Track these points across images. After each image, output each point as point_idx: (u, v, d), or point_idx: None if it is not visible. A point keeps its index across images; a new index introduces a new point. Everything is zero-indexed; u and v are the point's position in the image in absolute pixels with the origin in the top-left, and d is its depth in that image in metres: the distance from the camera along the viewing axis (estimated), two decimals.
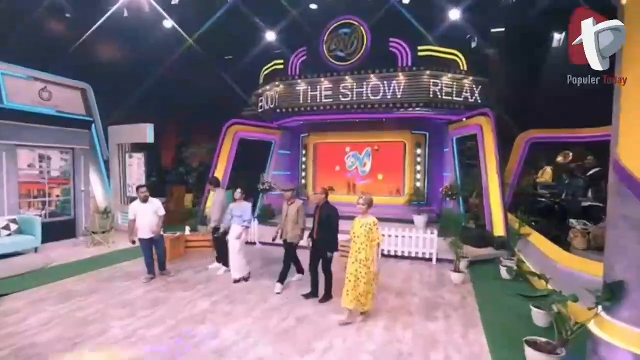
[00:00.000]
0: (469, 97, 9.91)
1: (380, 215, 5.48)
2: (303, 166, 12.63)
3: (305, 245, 5.21)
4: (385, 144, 11.45)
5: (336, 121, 11.46)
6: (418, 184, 11.15)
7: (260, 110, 12.52)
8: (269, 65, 11.83)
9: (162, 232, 6.03)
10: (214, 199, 6.42)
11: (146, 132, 9.31)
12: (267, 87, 11.61)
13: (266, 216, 10.67)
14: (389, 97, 9.86)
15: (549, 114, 9.48)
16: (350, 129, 11.59)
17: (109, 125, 10.26)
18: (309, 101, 10.66)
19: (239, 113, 14.45)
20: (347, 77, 10.18)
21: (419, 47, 9.54)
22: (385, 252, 7.47)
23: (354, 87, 10.18)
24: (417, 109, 9.79)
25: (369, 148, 11.66)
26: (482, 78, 9.91)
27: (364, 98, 10.10)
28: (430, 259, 7.23)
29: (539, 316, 4.29)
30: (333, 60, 10.27)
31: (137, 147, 9.96)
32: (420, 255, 7.31)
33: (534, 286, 5.39)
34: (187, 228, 7.94)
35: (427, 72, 9.45)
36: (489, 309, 4.84)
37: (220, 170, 10.77)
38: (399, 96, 9.78)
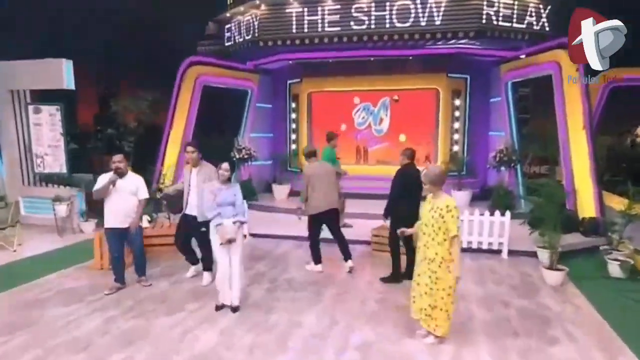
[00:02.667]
0: (534, 22, 9.24)
1: None
2: (293, 125, 11.67)
3: None
4: (410, 93, 10.72)
5: (342, 60, 10.50)
6: (456, 147, 10.61)
7: (228, 44, 11.26)
8: None
9: (141, 223, 5.62)
10: (198, 176, 5.42)
11: (62, 72, 7.92)
12: (241, 8, 10.34)
13: (249, 196, 9.68)
14: (423, 24, 8.99)
15: None
16: (361, 71, 10.73)
17: None
18: (305, 30, 9.61)
19: (192, 49, 13.11)
20: None
21: None
22: None
23: (373, 9, 9.19)
24: (463, 41, 9.01)
25: (386, 98, 10.88)
26: None
27: (387, 26, 9.18)
28: (499, 252, 6.83)
29: None
30: None
31: (45, 95, 8.64)
32: (485, 246, 6.86)
33: None
34: (146, 218, 6.92)
35: None
36: (625, 324, 4.42)
37: (179, 132, 9.68)
38: (437, 23, 8.94)
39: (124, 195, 5.30)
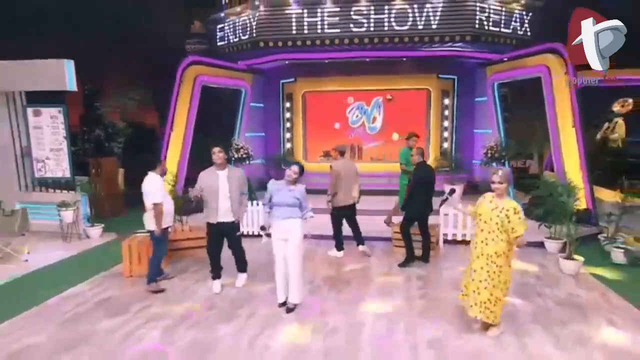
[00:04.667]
0: (519, 28, 9.58)
1: None
2: (287, 125, 11.46)
3: None
4: (403, 93, 10.81)
5: (336, 61, 10.42)
6: (445, 144, 10.83)
7: (221, 43, 10.83)
8: None
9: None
10: (231, 181, 5.13)
11: (64, 73, 7.27)
12: (237, 8, 9.96)
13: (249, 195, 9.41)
14: (420, 27, 9.06)
15: None
16: (355, 71, 10.70)
17: None
18: (305, 32, 9.39)
19: (178, 47, 12.59)
20: None
21: None
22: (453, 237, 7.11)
23: (372, 12, 9.15)
24: (459, 44, 9.18)
25: (379, 98, 10.90)
26: (538, 1, 9.58)
27: (386, 29, 9.16)
28: None
29: None
30: None
31: (47, 98, 7.94)
32: None
33: None
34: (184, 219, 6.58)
35: None
36: None
37: (179, 133, 9.21)
38: (434, 27, 9.04)
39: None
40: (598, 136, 9.84)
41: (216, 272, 5.35)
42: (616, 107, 9.80)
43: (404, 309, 4.74)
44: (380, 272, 5.92)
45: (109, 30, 11.53)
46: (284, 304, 4.74)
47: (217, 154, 5.11)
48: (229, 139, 10.31)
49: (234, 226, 5.19)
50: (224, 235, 5.24)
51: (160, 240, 5.27)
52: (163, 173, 5.41)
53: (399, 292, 5.22)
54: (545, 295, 5.05)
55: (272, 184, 4.70)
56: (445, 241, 7.08)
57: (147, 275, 5.34)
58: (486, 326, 4.09)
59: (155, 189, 5.12)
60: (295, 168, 4.61)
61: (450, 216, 7.12)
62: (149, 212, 5.17)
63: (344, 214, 6.48)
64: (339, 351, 3.84)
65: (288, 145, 11.50)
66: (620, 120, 9.04)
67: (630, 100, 9.63)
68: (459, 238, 7.17)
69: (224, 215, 5.12)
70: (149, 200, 5.11)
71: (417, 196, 5.96)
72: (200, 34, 12.96)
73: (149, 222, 5.21)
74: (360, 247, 6.63)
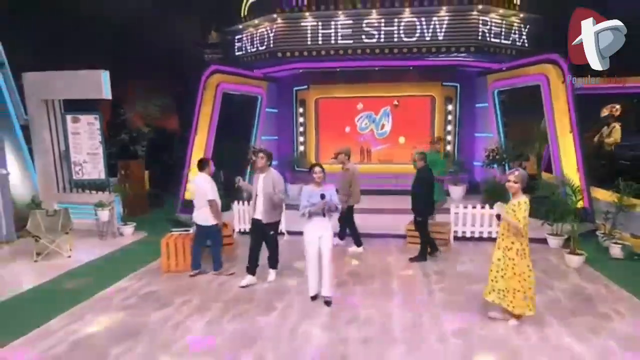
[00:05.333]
0: (517, 39, 9.74)
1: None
2: (300, 129, 11.59)
3: None
4: (409, 99, 10.97)
5: (347, 70, 10.56)
6: (449, 147, 10.99)
7: (239, 53, 10.95)
8: None
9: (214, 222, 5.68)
10: (264, 181, 5.33)
11: (101, 83, 7.42)
12: (256, 21, 10.07)
13: None
14: (427, 38, 9.21)
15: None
16: (365, 79, 10.86)
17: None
18: (320, 43, 9.53)
19: (196, 56, 12.69)
20: (373, 11, 9.22)
21: None
22: (462, 234, 7.27)
23: (382, 24, 9.29)
24: (463, 55, 9.34)
25: (387, 107, 11.06)
26: (534, 15, 9.74)
27: (395, 40, 9.31)
28: None
29: None
30: None
31: (77, 105, 8.10)
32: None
33: None
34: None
35: (480, 6, 8.94)
36: None
37: (202, 138, 9.32)
38: (440, 38, 9.19)
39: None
40: (595, 139, 9.98)
41: (251, 267, 5.49)
42: (605, 112, 9.96)
43: (426, 301, 4.91)
44: (398, 267, 6.09)
45: (133, 41, 11.61)
46: (315, 297, 4.90)
47: (260, 159, 5.33)
48: (243, 142, 10.41)
49: (268, 225, 5.36)
50: (262, 232, 5.41)
51: (220, 231, 5.65)
52: (212, 173, 5.60)
53: (419, 285, 5.40)
54: (555, 288, 5.23)
55: (305, 188, 4.83)
56: (456, 238, 7.24)
57: (213, 266, 5.78)
58: (508, 314, 4.25)
59: (209, 187, 5.39)
60: (318, 169, 4.77)
61: (460, 214, 7.28)
62: (203, 209, 5.40)
63: (353, 211, 6.87)
64: (376, 340, 4.00)
65: (301, 147, 11.64)
66: (617, 125, 9.20)
67: (618, 106, 9.79)
68: (468, 235, 7.34)
69: (260, 213, 5.31)
70: (203, 199, 5.37)
71: (427, 197, 6.24)
72: (217, 43, 13.08)
73: (206, 218, 5.51)
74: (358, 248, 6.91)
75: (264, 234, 5.46)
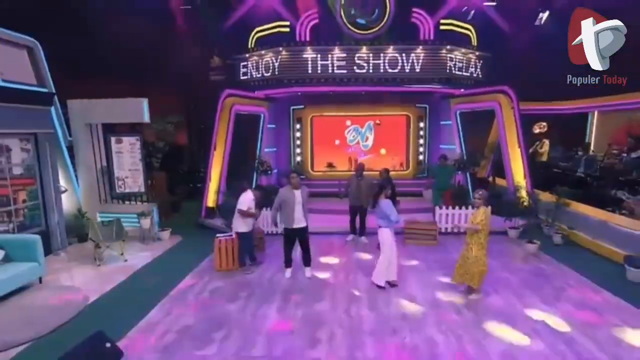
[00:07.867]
0: (474, 72, 10.95)
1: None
2: (298, 142, 12.20)
3: None
4: (389, 118, 11.91)
5: (338, 94, 11.30)
6: (420, 157, 12.07)
7: (244, 77, 11.35)
8: (267, 26, 10.69)
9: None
10: (303, 194, 5.97)
11: (142, 109, 7.65)
12: (263, 52, 10.54)
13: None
14: (407, 71, 10.15)
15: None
16: (351, 102, 11.62)
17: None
18: (319, 71, 10.18)
19: (202, 79, 12.92)
20: (363, 47, 10.02)
21: (442, 21, 9.94)
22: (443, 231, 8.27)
23: (371, 58, 10.11)
24: (434, 84, 10.37)
25: (370, 122, 11.94)
26: (486, 53, 10.97)
27: (381, 71, 10.17)
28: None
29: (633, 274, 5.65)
30: (353, 28, 9.92)
31: (116, 128, 8.28)
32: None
33: (595, 251, 6.94)
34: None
35: (448, 46, 10.00)
36: (588, 273, 6.01)
37: (220, 152, 9.71)
38: (417, 70, 10.16)
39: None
40: (530, 150, 11.42)
41: (289, 263, 6.13)
42: (536, 130, 11.46)
43: (442, 281, 5.78)
44: (403, 257, 6.87)
45: (146, 66, 11.61)
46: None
47: (295, 178, 5.90)
48: (249, 154, 10.86)
49: (305, 229, 6.00)
50: (297, 237, 6.02)
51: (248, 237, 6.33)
52: (256, 196, 6.26)
53: (427, 271, 6.25)
54: (523, 270, 6.27)
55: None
56: (440, 233, 8.24)
57: (239, 262, 6.37)
58: (470, 290, 5.20)
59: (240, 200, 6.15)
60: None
61: (443, 215, 8.28)
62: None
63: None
64: (434, 314, 4.80)
65: (298, 158, 12.25)
66: (546, 141, 10.65)
67: (544, 124, 11.32)
68: (449, 231, 8.36)
69: (298, 222, 5.92)
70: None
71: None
72: (219, 67, 13.32)
73: (239, 224, 6.14)
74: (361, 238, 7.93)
75: (301, 238, 6.04)
